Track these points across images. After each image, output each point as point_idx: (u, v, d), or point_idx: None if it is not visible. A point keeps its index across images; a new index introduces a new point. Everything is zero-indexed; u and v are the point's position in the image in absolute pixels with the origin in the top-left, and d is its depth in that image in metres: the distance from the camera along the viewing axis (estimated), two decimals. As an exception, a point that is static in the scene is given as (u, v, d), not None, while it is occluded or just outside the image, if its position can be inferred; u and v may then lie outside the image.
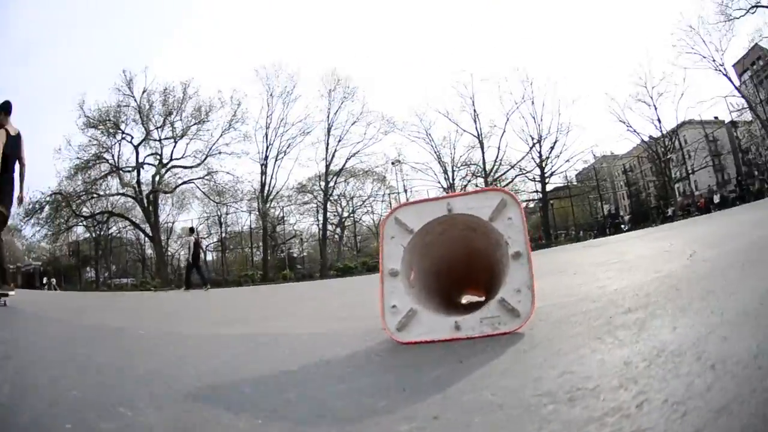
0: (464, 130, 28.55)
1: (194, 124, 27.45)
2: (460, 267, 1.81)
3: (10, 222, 6.18)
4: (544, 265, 4.62)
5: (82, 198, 26.13)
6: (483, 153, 28.35)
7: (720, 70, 25.57)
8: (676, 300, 1.51)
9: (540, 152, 28.77)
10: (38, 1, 42.58)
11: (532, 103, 28.19)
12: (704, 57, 25.49)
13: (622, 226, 29.38)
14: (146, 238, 28.17)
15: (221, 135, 27.44)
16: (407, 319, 1.56)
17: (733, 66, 28.41)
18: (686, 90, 36.77)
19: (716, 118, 36.58)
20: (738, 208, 15.43)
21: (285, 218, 28.77)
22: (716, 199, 24.90)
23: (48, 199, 25.19)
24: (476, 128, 28.45)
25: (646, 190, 41.16)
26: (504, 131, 28.45)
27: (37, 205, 24.75)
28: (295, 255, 30.01)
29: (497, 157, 28.66)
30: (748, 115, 29.04)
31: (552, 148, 28.56)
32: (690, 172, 33.44)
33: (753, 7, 22.26)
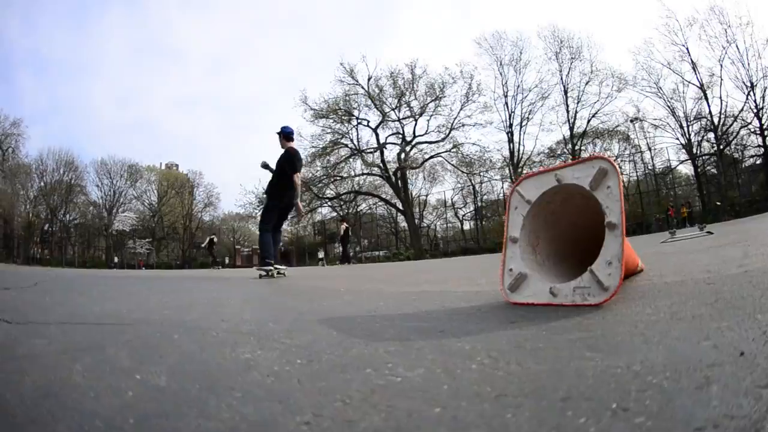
0: (688, 82, 25.34)
1: (431, 101, 28.80)
2: (586, 234, 1.70)
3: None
4: None
5: (323, 182, 29.28)
6: (708, 105, 25.04)
7: None
8: None
9: (755, 100, 24.19)
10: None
11: (737, 46, 23.86)
12: None
13: None
14: (398, 212, 30.67)
15: (461, 108, 28.44)
16: (517, 282, 1.69)
17: None
18: None
19: None
20: None
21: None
22: None
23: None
24: (697, 78, 25.08)
25: None
26: (721, 80, 24.30)
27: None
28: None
29: (721, 109, 24.79)
30: None
31: (764, 95, 23.83)
32: None
33: None
